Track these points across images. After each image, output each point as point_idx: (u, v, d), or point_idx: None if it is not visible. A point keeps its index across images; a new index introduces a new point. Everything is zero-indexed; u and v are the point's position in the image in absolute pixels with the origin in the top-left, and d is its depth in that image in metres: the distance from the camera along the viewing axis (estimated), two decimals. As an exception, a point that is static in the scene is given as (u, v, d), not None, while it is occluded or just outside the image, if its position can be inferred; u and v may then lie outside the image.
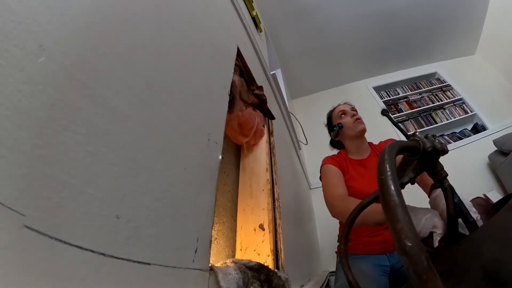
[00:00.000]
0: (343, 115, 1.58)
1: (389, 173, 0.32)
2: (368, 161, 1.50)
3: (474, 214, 0.57)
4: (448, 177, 0.59)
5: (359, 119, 1.53)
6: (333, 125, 1.63)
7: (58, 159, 0.28)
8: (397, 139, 1.49)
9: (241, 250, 0.94)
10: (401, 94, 4.52)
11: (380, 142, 1.60)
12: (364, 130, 1.50)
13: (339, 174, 1.39)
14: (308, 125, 3.58)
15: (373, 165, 1.45)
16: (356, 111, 1.60)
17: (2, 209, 0.22)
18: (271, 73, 2.00)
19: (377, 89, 4.58)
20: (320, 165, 1.51)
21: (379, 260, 1.25)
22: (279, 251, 0.96)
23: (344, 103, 1.68)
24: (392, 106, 4.46)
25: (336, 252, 1.51)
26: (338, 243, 1.50)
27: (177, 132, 0.53)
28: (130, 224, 0.35)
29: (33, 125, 0.26)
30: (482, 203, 0.64)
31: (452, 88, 4.35)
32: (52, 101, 0.29)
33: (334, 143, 1.72)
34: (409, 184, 0.67)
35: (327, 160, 1.49)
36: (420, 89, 4.53)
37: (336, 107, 1.68)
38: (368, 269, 1.19)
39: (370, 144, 1.61)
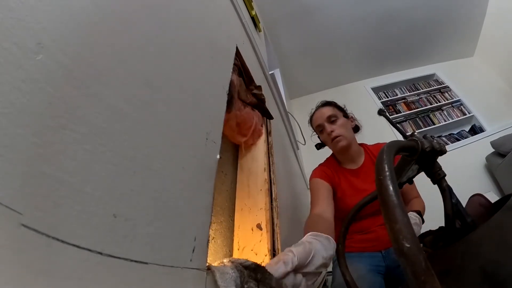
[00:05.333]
0: (321, 131, 1.45)
1: (387, 173, 0.32)
2: (361, 169, 1.39)
3: None
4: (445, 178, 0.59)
5: (335, 138, 1.36)
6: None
7: (56, 157, 0.28)
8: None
9: (238, 249, 0.94)
10: (399, 95, 4.54)
11: (378, 143, 1.51)
12: (344, 147, 1.36)
13: (324, 188, 1.26)
14: (306, 125, 3.54)
15: (366, 174, 1.36)
16: (334, 119, 1.41)
17: (-1, 208, 0.22)
18: (270, 73, 1.99)
19: (376, 89, 4.59)
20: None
21: (374, 259, 1.23)
22: (277, 251, 0.96)
23: (321, 106, 1.50)
24: (390, 107, 4.47)
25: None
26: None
27: (175, 131, 0.53)
28: (128, 223, 0.35)
29: (31, 123, 0.26)
30: (485, 203, 0.64)
31: (450, 90, 4.37)
32: (50, 99, 0.29)
33: (320, 145, 1.60)
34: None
35: (316, 173, 1.37)
36: (418, 90, 4.55)
37: (313, 114, 1.53)
38: (363, 269, 1.18)
39: (363, 146, 1.49)
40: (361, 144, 1.49)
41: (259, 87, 1.29)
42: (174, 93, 0.56)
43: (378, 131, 3.48)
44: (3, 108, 0.24)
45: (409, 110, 4.35)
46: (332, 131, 1.37)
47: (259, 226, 0.99)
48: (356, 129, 1.53)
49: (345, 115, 1.47)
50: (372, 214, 1.26)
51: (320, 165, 1.47)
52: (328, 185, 1.28)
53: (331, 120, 1.40)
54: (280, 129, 2.10)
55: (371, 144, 1.52)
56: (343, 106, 1.54)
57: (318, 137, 1.54)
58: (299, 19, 3.50)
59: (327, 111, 1.43)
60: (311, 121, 1.55)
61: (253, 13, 2.05)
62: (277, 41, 3.70)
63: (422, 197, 1.28)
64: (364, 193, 1.21)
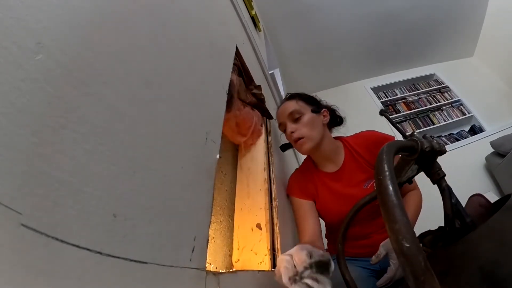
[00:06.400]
0: (284, 131, 1.23)
1: (387, 173, 0.32)
2: (343, 171, 1.20)
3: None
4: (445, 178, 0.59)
5: (297, 140, 1.16)
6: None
7: (55, 157, 0.28)
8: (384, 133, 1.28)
9: (238, 249, 0.94)
10: (399, 95, 4.54)
11: (359, 133, 1.30)
12: (310, 150, 1.17)
13: (305, 209, 1.17)
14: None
15: (349, 175, 1.19)
16: (299, 117, 1.18)
17: (-2, 207, 0.22)
18: (270, 72, 1.99)
19: (375, 89, 4.59)
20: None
21: (368, 264, 1.12)
22: (276, 251, 0.95)
23: (286, 100, 1.29)
24: (390, 107, 4.47)
25: (326, 250, 1.30)
26: (328, 242, 1.39)
27: (175, 131, 0.53)
28: (127, 223, 0.35)
29: (31, 123, 0.26)
30: (484, 203, 0.64)
31: (450, 90, 4.37)
32: (49, 99, 0.28)
33: (285, 147, 1.39)
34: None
35: (292, 188, 1.25)
36: (418, 90, 4.55)
37: (278, 109, 1.30)
38: (357, 270, 1.14)
39: (342, 140, 1.29)
40: (338, 138, 1.30)
41: (258, 87, 1.29)
42: (174, 93, 0.56)
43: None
44: (3, 108, 0.24)
45: (409, 110, 4.35)
46: (292, 132, 1.17)
47: (258, 226, 0.99)
48: (336, 122, 1.35)
49: (316, 109, 1.23)
50: (367, 220, 1.17)
51: (296, 171, 1.35)
52: (308, 202, 1.19)
53: (295, 117, 1.18)
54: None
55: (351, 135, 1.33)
56: (314, 96, 1.34)
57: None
58: (299, 19, 3.50)
59: (290, 106, 1.21)
60: (277, 113, 1.30)
61: (253, 12, 2.05)
62: (277, 41, 3.70)
63: (422, 198, 1.22)
64: (349, 198, 1.11)
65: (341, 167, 1.22)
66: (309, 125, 1.17)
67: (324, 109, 1.28)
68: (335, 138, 1.31)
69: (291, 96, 1.30)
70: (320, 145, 1.19)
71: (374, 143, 1.19)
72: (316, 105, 1.27)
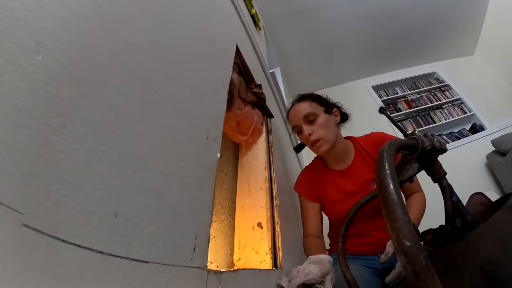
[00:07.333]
0: (299, 132, 1.25)
1: (388, 171, 0.32)
2: (351, 169, 1.24)
3: None
4: (446, 176, 0.59)
5: (315, 142, 1.18)
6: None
7: (56, 157, 0.28)
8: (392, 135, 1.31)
9: (239, 248, 0.94)
10: (399, 94, 4.52)
11: (367, 135, 1.33)
12: (327, 151, 1.19)
13: (311, 209, 1.25)
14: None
15: (357, 174, 1.22)
16: (313, 119, 1.20)
17: (0, 208, 0.22)
18: (270, 71, 1.99)
19: (376, 88, 4.58)
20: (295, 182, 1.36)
21: (370, 262, 1.18)
22: (277, 249, 0.96)
23: (298, 101, 1.29)
24: (391, 106, 4.46)
25: (327, 251, 1.34)
26: (330, 242, 1.38)
27: (175, 130, 0.53)
28: (128, 222, 0.35)
29: (31, 123, 0.26)
30: (485, 202, 0.64)
31: (450, 88, 4.36)
32: (50, 99, 0.28)
33: (299, 147, 1.42)
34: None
35: (300, 188, 1.32)
36: (418, 88, 4.54)
37: (289, 110, 1.30)
38: (359, 269, 1.14)
39: (352, 140, 1.32)
40: (348, 138, 1.34)
41: (259, 86, 1.29)
42: (174, 92, 0.56)
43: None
44: (3, 108, 0.24)
45: (410, 109, 4.34)
46: (310, 134, 1.18)
47: (259, 225, 0.99)
48: (343, 118, 1.35)
49: (327, 109, 1.25)
50: (369, 218, 1.18)
51: (306, 168, 1.38)
52: (314, 205, 1.25)
53: (310, 120, 1.20)
54: (281, 127, 2.10)
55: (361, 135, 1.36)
56: (325, 96, 1.34)
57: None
58: (299, 17, 3.49)
59: (304, 108, 1.22)
60: (288, 117, 1.32)
61: (253, 11, 2.05)
62: (277, 40, 3.69)
63: (426, 201, 1.20)
64: (355, 197, 1.14)
65: (350, 165, 1.25)
66: (325, 126, 1.20)
67: (335, 108, 1.30)
68: (346, 137, 1.33)
69: (303, 98, 1.30)
70: (335, 146, 1.21)
71: (382, 144, 1.18)
72: (327, 105, 1.28)
